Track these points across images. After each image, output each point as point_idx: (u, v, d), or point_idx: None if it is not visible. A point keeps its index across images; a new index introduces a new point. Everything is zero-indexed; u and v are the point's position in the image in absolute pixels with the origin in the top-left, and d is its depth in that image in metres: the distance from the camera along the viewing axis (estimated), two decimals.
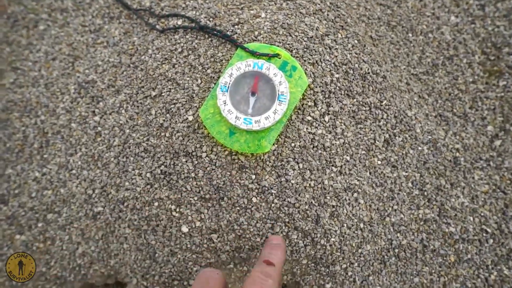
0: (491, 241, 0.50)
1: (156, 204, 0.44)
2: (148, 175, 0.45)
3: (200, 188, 0.42)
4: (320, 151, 0.42)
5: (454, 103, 0.53)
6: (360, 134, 0.46)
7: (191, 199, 0.42)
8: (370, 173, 0.46)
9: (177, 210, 0.43)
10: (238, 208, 0.42)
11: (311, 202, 0.42)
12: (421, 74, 0.53)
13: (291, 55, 0.42)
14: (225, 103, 0.37)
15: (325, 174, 0.43)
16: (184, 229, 0.43)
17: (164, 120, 0.45)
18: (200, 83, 0.43)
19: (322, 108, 0.43)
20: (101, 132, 0.51)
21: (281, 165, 0.41)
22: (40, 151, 0.56)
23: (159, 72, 0.47)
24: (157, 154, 0.45)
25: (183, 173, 0.42)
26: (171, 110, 0.44)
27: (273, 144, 0.40)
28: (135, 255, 0.48)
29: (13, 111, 0.60)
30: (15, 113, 0.60)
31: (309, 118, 0.42)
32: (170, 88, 0.45)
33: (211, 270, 0.27)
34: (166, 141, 0.44)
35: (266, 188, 0.41)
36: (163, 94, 0.46)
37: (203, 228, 0.43)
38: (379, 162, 0.47)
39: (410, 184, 0.48)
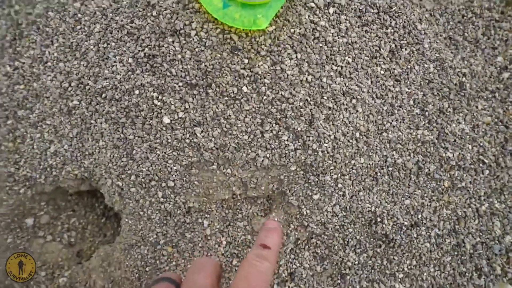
0: (486, 172, 0.47)
1: (136, 92, 0.40)
2: (130, 60, 0.41)
3: (186, 73, 0.38)
4: (321, 45, 0.39)
5: (466, 26, 0.50)
6: (365, 37, 0.42)
7: (175, 85, 0.38)
8: (371, 82, 0.43)
9: (159, 98, 0.39)
10: (226, 98, 0.38)
11: (307, 99, 0.39)
12: None
13: None
14: None
15: (324, 71, 0.39)
16: (166, 119, 0.39)
17: None
18: None
19: None
20: (81, 19, 0.46)
21: (277, 50, 0.37)
22: (12, 44, 0.51)
23: None
24: (141, 36, 0.40)
25: (169, 55, 0.38)
26: None
27: (270, 24, 0.36)
28: (111, 153, 0.44)
29: None
30: None
31: (313, 4, 0.38)
32: None
33: (207, 257, 0.26)
34: (152, 21, 0.39)
35: (259, 77, 0.37)
36: None
37: (186, 120, 0.39)
38: (382, 72, 0.43)
39: (411, 102, 0.45)
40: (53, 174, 0.48)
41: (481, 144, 0.48)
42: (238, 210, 0.45)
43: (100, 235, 0.54)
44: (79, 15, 0.46)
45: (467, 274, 0.45)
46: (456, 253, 0.45)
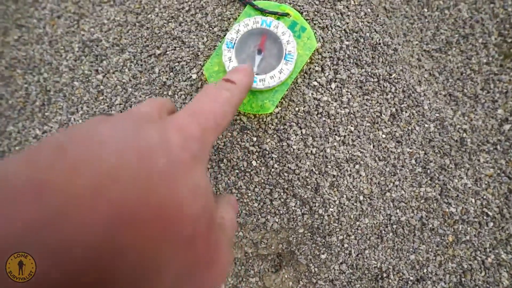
0: (491, 224, 0.49)
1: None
2: None
3: None
4: (324, 119, 0.41)
5: (465, 83, 0.51)
6: (366, 105, 0.45)
7: None
8: (373, 146, 0.45)
9: None
10: (237, 171, 0.41)
11: (312, 169, 0.41)
12: (434, 51, 0.52)
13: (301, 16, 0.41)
14: (230, 59, 0.36)
15: (328, 143, 0.42)
16: None
17: (167, 79, 0.44)
18: (206, 41, 0.42)
19: (329, 74, 0.42)
20: (103, 91, 0.51)
21: (283, 129, 0.40)
22: (41, 109, 0.56)
23: (164, 31, 0.46)
24: None
25: None
26: (175, 69, 0.43)
27: (277, 106, 0.39)
28: None
29: (16, 68, 0.60)
30: (18, 70, 0.59)
31: (315, 83, 0.41)
32: (175, 47, 0.44)
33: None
34: None
35: (267, 152, 0.40)
36: (167, 53, 0.45)
37: None
38: (384, 136, 0.46)
39: (413, 161, 0.47)
40: None
41: (484, 196, 0.50)
42: (250, 267, 0.48)
43: None
44: (101, 86, 0.51)
45: None
46: None
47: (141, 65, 0.48)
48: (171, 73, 0.44)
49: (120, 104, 0.48)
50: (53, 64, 0.57)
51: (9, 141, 0.57)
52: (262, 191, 0.42)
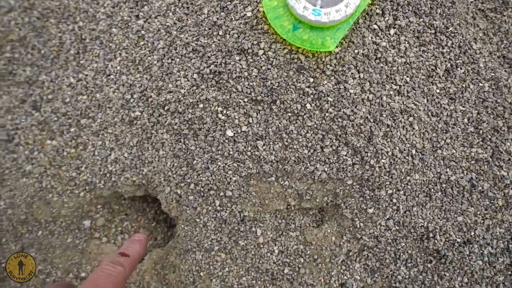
0: None
1: (201, 106, 0.43)
2: (195, 75, 0.43)
3: (252, 89, 0.40)
4: (382, 65, 0.40)
5: None
6: (423, 57, 0.43)
7: (240, 100, 0.40)
8: (427, 100, 0.44)
9: (224, 112, 0.41)
10: (290, 114, 0.40)
11: (367, 117, 0.40)
12: (489, 11, 0.50)
13: None
14: None
15: (384, 90, 0.40)
16: (229, 133, 0.41)
17: (217, 18, 0.42)
18: None
19: (389, 19, 0.40)
20: (145, 36, 0.49)
21: (342, 70, 0.38)
22: (76, 57, 0.55)
23: None
24: (207, 53, 0.42)
25: (235, 72, 0.40)
26: (226, 8, 0.42)
27: (337, 46, 0.37)
28: (171, 162, 0.46)
29: (49, 18, 0.58)
30: (52, 20, 0.58)
31: (375, 26, 0.39)
32: None
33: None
34: (219, 40, 0.42)
35: (323, 95, 0.38)
36: None
37: (249, 134, 0.41)
38: (438, 91, 0.44)
39: (466, 120, 0.46)
40: (112, 179, 0.51)
41: None
42: (291, 221, 0.46)
43: (151, 239, 0.56)
44: (142, 31, 0.49)
45: None
46: (509, 272, 0.45)
47: (187, 7, 0.46)
48: (222, 13, 0.42)
49: (164, 47, 0.47)
50: (89, 12, 0.55)
51: (42, 90, 0.55)
52: (313, 137, 0.40)
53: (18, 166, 0.54)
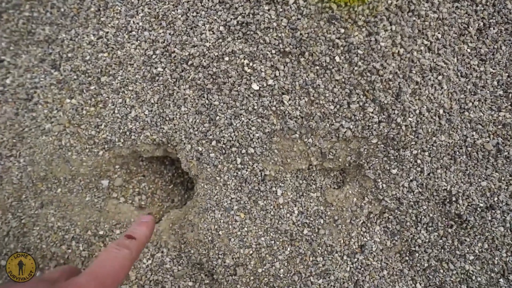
0: None
1: (226, 59, 0.42)
2: (222, 28, 0.42)
3: (280, 41, 0.39)
4: (414, 18, 0.39)
5: None
6: (455, 14, 0.42)
7: (268, 52, 0.40)
8: (457, 60, 0.43)
9: (250, 65, 0.41)
10: (318, 67, 0.39)
11: (396, 72, 0.39)
12: None
13: None
14: None
15: (416, 45, 0.39)
16: (255, 86, 0.41)
17: None
18: None
19: None
20: None
21: (374, 21, 0.37)
22: (97, 15, 0.54)
23: None
24: (234, 4, 0.41)
25: (264, 23, 0.39)
26: None
27: None
28: (193, 119, 0.46)
29: None
30: None
31: None
32: None
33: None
34: None
35: (353, 47, 0.38)
36: None
37: (275, 88, 0.40)
38: (469, 51, 0.43)
39: (495, 83, 0.44)
40: (132, 138, 0.50)
41: None
42: (312, 181, 0.46)
43: (168, 200, 0.57)
44: None
45: None
46: None
47: None
48: None
49: (188, 1, 0.46)
50: None
51: (61, 48, 0.55)
52: (341, 92, 0.39)
53: (38, 124, 0.54)
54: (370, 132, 0.41)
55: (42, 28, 0.56)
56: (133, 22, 0.50)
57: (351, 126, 0.41)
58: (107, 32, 0.52)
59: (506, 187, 0.45)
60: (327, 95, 0.39)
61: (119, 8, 0.52)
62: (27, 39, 0.57)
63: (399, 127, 0.40)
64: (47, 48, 0.56)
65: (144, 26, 0.49)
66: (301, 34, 0.38)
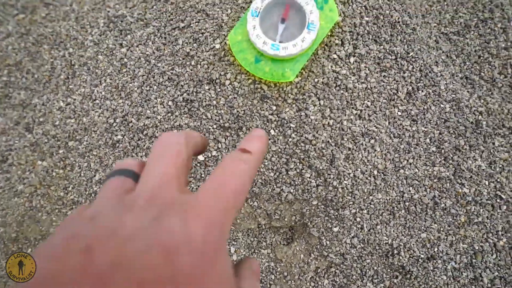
0: (504, 207, 0.49)
1: (175, 131, 0.45)
2: (170, 103, 0.46)
3: (220, 117, 0.42)
4: (342, 92, 0.42)
5: (482, 66, 0.52)
6: (384, 82, 0.45)
7: (210, 127, 0.43)
8: (389, 122, 0.46)
9: None
10: None
11: (328, 141, 0.42)
12: (452, 34, 0.52)
13: None
14: (254, 27, 0.38)
15: (345, 115, 0.43)
16: (200, 157, 0.44)
17: (190, 49, 0.45)
18: (230, 13, 0.44)
19: (348, 49, 0.43)
20: (127, 64, 0.52)
21: (302, 98, 0.41)
22: (66, 82, 0.58)
23: (189, 5, 0.48)
24: (180, 82, 0.45)
25: (205, 101, 0.43)
26: (198, 40, 0.45)
27: (297, 76, 0.40)
28: None
29: (43, 44, 0.62)
30: (45, 46, 0.62)
31: (335, 56, 0.42)
32: (199, 19, 0.46)
33: (173, 134, 0.20)
34: (191, 70, 0.45)
35: (285, 121, 0.41)
36: (191, 25, 0.46)
37: (218, 158, 0.44)
38: (399, 114, 0.46)
39: (428, 140, 0.48)
40: None
41: (498, 180, 0.50)
42: (262, 239, 0.49)
43: None
44: (125, 59, 0.53)
45: None
46: (473, 286, 0.47)
47: (165, 38, 0.50)
48: (194, 44, 0.45)
49: (143, 75, 0.50)
50: (79, 39, 0.59)
51: (34, 113, 0.59)
52: (278, 161, 0.43)
53: (11, 186, 0.57)
54: (309, 195, 0.44)
55: (18, 92, 0.60)
56: (97, 91, 0.55)
57: (292, 190, 0.44)
58: (75, 99, 0.56)
59: (445, 237, 0.48)
60: (266, 163, 0.43)
61: (85, 77, 0.56)
62: (4, 102, 0.61)
63: (336, 189, 0.43)
64: (22, 111, 0.60)
65: (106, 95, 0.53)
66: (238, 111, 0.41)
